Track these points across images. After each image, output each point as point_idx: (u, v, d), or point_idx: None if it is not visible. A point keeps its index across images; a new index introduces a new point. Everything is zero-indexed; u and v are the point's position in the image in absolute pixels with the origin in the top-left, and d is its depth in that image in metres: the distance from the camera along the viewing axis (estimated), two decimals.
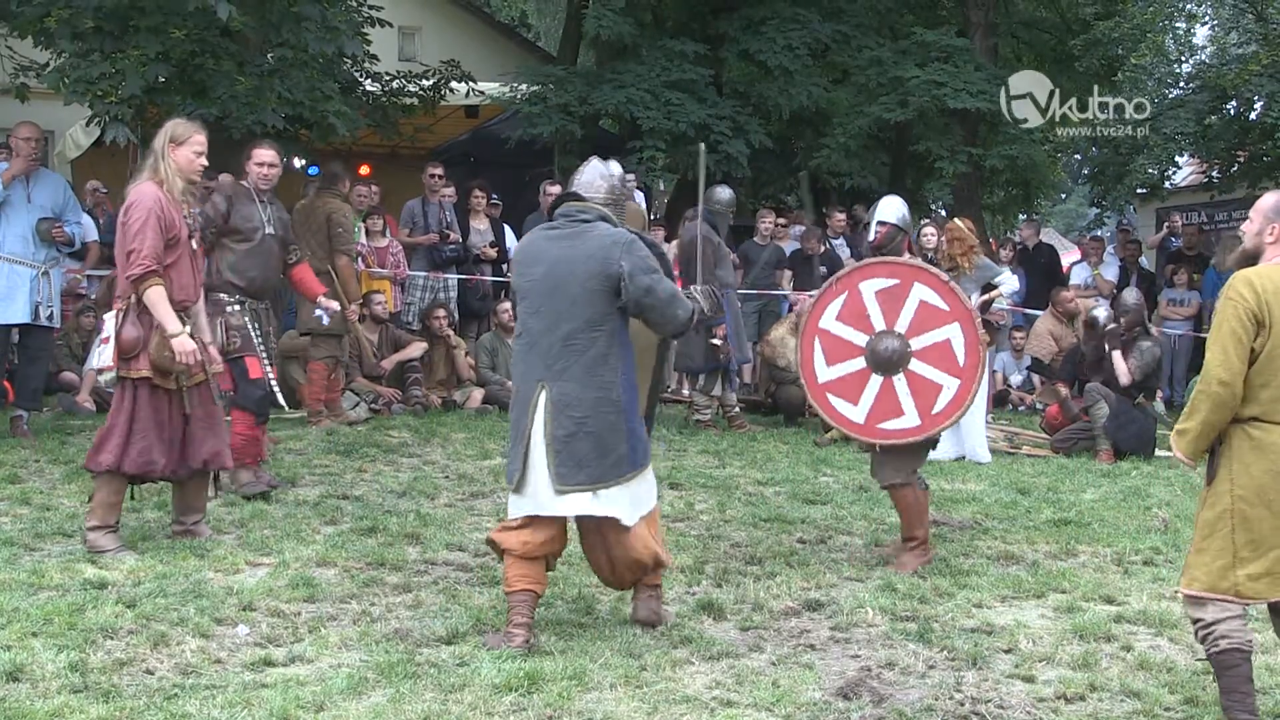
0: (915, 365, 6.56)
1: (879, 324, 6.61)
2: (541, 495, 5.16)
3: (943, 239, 10.24)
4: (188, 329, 6.37)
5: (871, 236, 7.29)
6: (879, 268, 6.77)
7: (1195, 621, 4.54)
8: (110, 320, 6.37)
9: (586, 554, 5.50)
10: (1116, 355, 10.73)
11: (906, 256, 7.13)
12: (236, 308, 7.64)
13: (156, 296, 6.23)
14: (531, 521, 5.21)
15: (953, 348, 6.54)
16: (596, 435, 5.13)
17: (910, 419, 6.57)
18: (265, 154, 7.93)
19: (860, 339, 6.64)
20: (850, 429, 6.75)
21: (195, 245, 6.55)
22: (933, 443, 6.92)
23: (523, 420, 5.20)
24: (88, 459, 6.43)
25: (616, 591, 5.85)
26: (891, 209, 7.25)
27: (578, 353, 5.15)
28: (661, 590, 5.55)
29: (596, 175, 5.53)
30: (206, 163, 6.64)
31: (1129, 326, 11.02)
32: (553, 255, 5.26)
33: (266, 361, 7.76)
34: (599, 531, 5.30)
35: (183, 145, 6.44)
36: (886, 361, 6.58)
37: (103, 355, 6.41)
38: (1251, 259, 4.58)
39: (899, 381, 6.57)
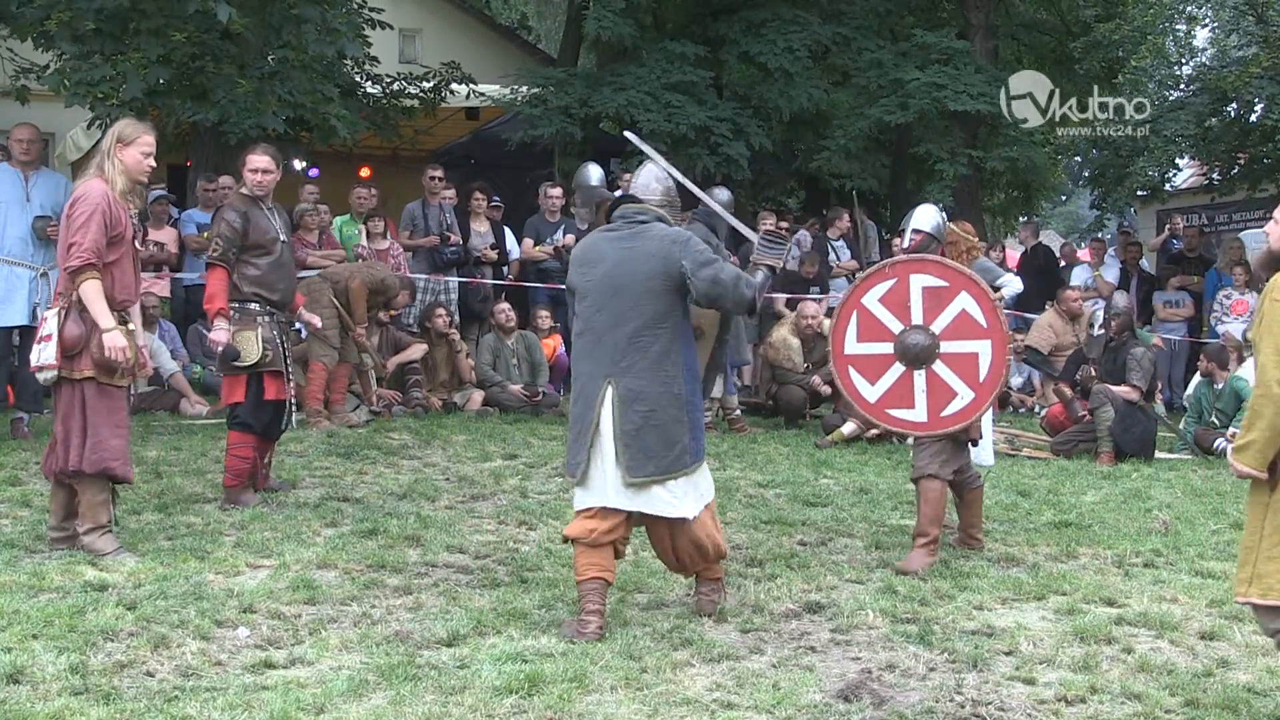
0: (938, 366, 6.74)
1: (917, 318, 6.78)
2: (610, 488, 5.36)
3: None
4: (131, 325, 6.35)
5: (906, 243, 7.44)
6: (934, 266, 6.94)
7: (1275, 634, 4.51)
8: (52, 318, 6.24)
9: (652, 542, 5.67)
10: (1113, 389, 10.73)
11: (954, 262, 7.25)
12: (267, 319, 7.51)
13: (93, 291, 6.14)
14: (598, 511, 5.39)
15: (979, 362, 6.73)
16: (662, 428, 5.36)
17: (919, 414, 6.78)
18: (260, 160, 7.70)
19: (895, 326, 6.82)
20: (860, 405, 6.97)
21: (138, 245, 6.51)
22: (972, 441, 7.16)
23: (588, 415, 5.39)
24: (52, 464, 6.30)
25: (622, 594, 5.87)
26: (927, 218, 7.49)
27: (642, 349, 5.37)
28: (722, 582, 5.78)
29: (652, 178, 5.86)
30: (154, 164, 6.56)
31: (1118, 330, 11.03)
32: (614, 256, 5.47)
33: (289, 377, 7.67)
34: (665, 520, 5.46)
35: (130, 145, 6.39)
36: (914, 355, 6.76)
37: (42, 354, 6.23)
38: (1278, 261, 4.58)
39: (919, 377, 6.76)
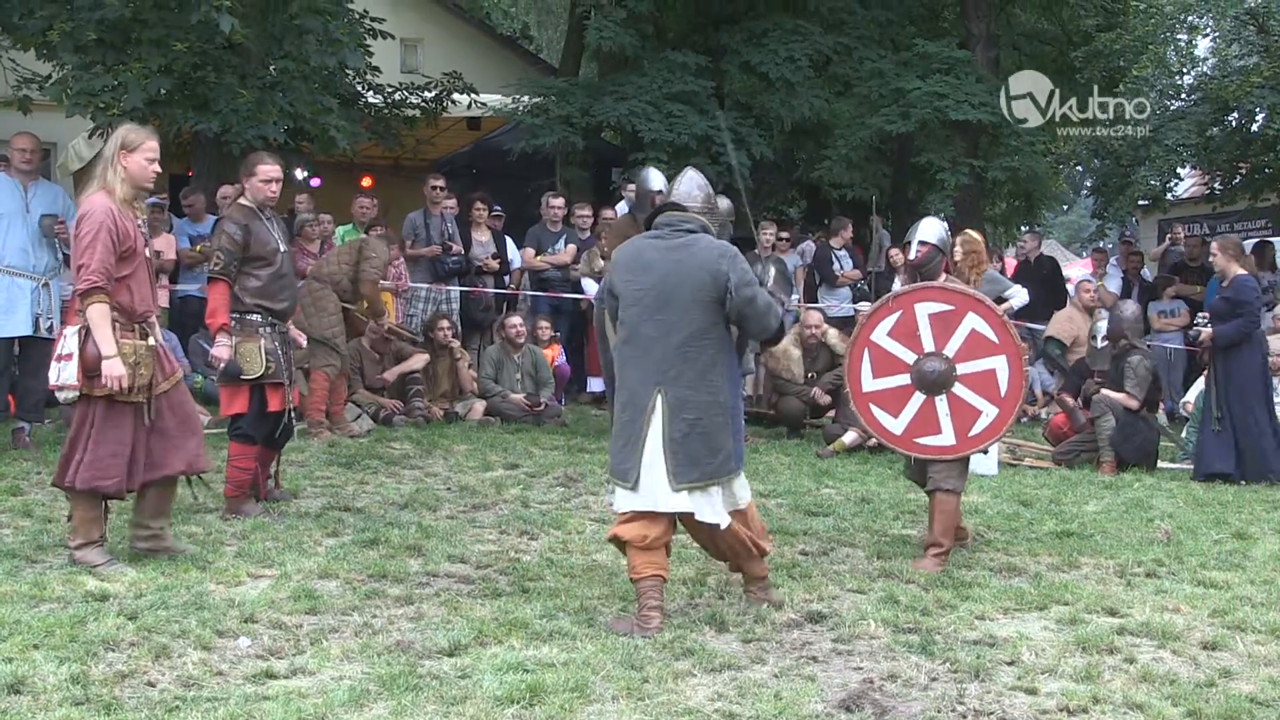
0: (958, 389, 6.85)
1: (929, 345, 6.88)
2: (659, 493, 5.51)
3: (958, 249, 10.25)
4: (151, 340, 6.32)
5: (912, 255, 7.47)
6: (935, 292, 7.03)
7: None
8: (72, 336, 6.17)
9: (695, 538, 5.92)
10: (1109, 395, 10.73)
11: (944, 278, 7.30)
12: (269, 330, 7.48)
13: (99, 316, 6.08)
14: (645, 515, 5.56)
15: (997, 378, 6.84)
16: (708, 435, 5.52)
17: (946, 438, 6.89)
18: (273, 170, 7.59)
19: (909, 356, 6.92)
20: (887, 439, 7.05)
21: (149, 254, 6.45)
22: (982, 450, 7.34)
23: (637, 422, 5.54)
24: (56, 477, 6.31)
25: (624, 604, 5.87)
26: (932, 230, 7.56)
27: (690, 359, 5.52)
28: (768, 580, 6.03)
29: (694, 185, 6.02)
30: (159, 169, 6.47)
31: (1116, 339, 11.01)
32: (664, 266, 5.59)
33: (289, 386, 7.65)
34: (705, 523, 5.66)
35: (135, 151, 6.30)
36: (931, 382, 6.86)
37: (63, 373, 6.16)
38: None
39: (940, 402, 6.86)
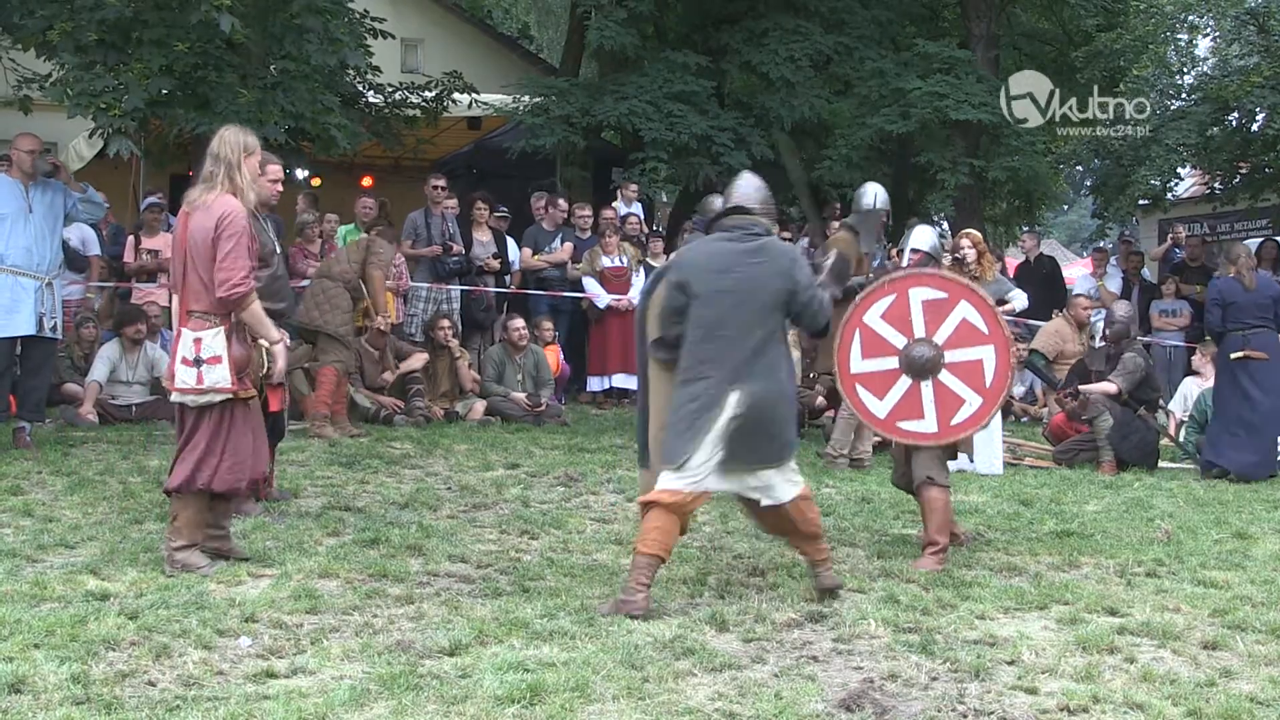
0: (944, 376, 6.87)
1: (919, 331, 6.91)
2: (711, 476, 5.79)
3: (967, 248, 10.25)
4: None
5: (905, 262, 7.49)
6: (931, 279, 7.10)
7: None
8: (214, 338, 6.13)
9: (754, 517, 6.30)
10: (1095, 389, 10.77)
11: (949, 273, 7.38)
12: None
13: (260, 311, 6.27)
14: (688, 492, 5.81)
15: (984, 368, 6.85)
16: (775, 424, 5.84)
17: (929, 424, 6.91)
18: (278, 169, 7.63)
19: (899, 340, 6.94)
20: (871, 421, 7.11)
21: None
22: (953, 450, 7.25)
23: (707, 414, 5.73)
24: (179, 481, 6.19)
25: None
26: (924, 237, 7.59)
27: (764, 357, 5.80)
28: (830, 560, 6.22)
29: (752, 188, 6.17)
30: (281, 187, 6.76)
31: (1114, 339, 11.02)
32: (744, 270, 5.85)
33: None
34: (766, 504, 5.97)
35: (252, 156, 6.39)
36: (919, 367, 6.88)
37: (207, 376, 6.11)
38: None
39: (926, 388, 6.88)
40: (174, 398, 6.31)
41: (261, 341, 6.37)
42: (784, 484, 5.94)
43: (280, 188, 7.60)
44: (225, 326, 6.17)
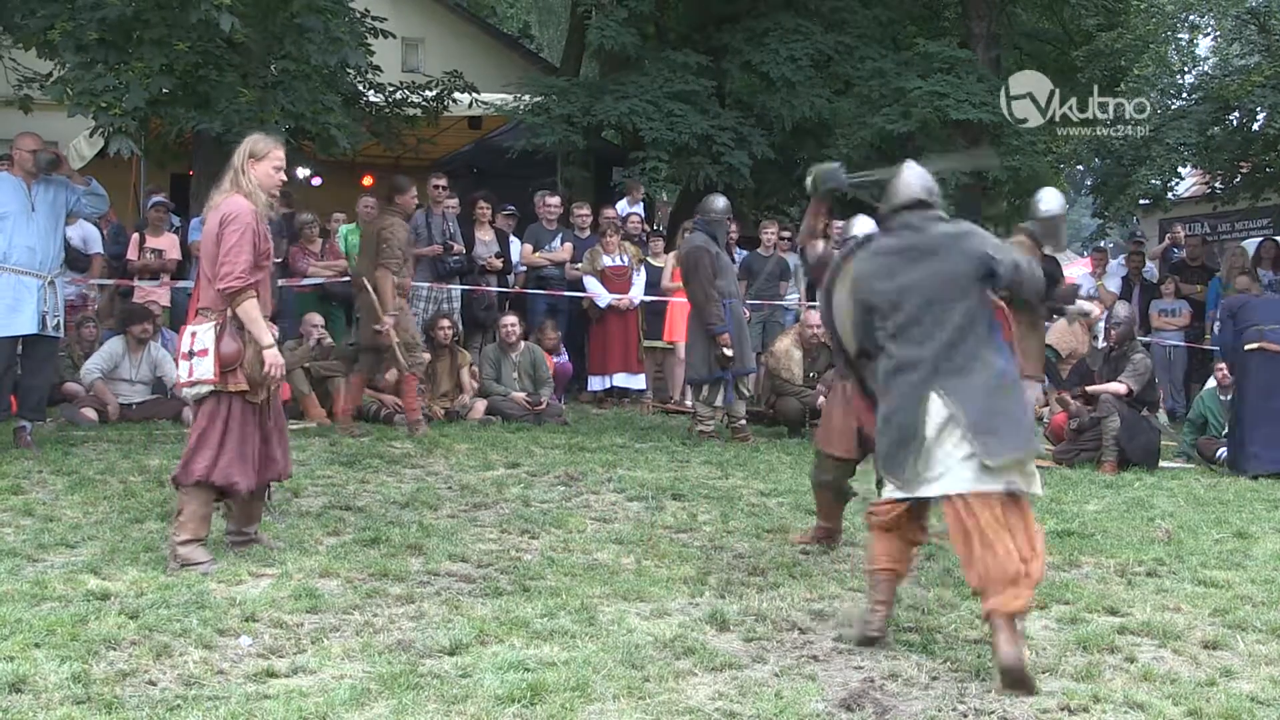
0: None
1: None
2: (950, 477, 5.16)
3: None
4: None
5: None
6: None
7: None
8: (206, 332, 6.25)
9: (983, 539, 5.12)
10: (1106, 389, 10.79)
11: None
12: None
13: (254, 310, 6.27)
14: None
15: None
16: (1002, 413, 5.20)
17: None
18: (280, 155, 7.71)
19: None
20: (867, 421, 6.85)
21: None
22: None
23: (911, 424, 5.25)
24: (178, 472, 6.33)
25: (625, 603, 5.87)
26: (866, 225, 7.47)
27: (961, 348, 5.27)
28: (1022, 632, 5.07)
29: (916, 176, 5.70)
30: (285, 178, 6.66)
31: (1118, 340, 11.04)
32: (917, 271, 5.39)
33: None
34: (1019, 508, 5.17)
35: (263, 160, 6.47)
36: None
37: (194, 369, 6.24)
38: None
39: None
40: (181, 393, 6.45)
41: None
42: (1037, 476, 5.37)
43: (283, 176, 7.57)
44: (219, 321, 6.27)
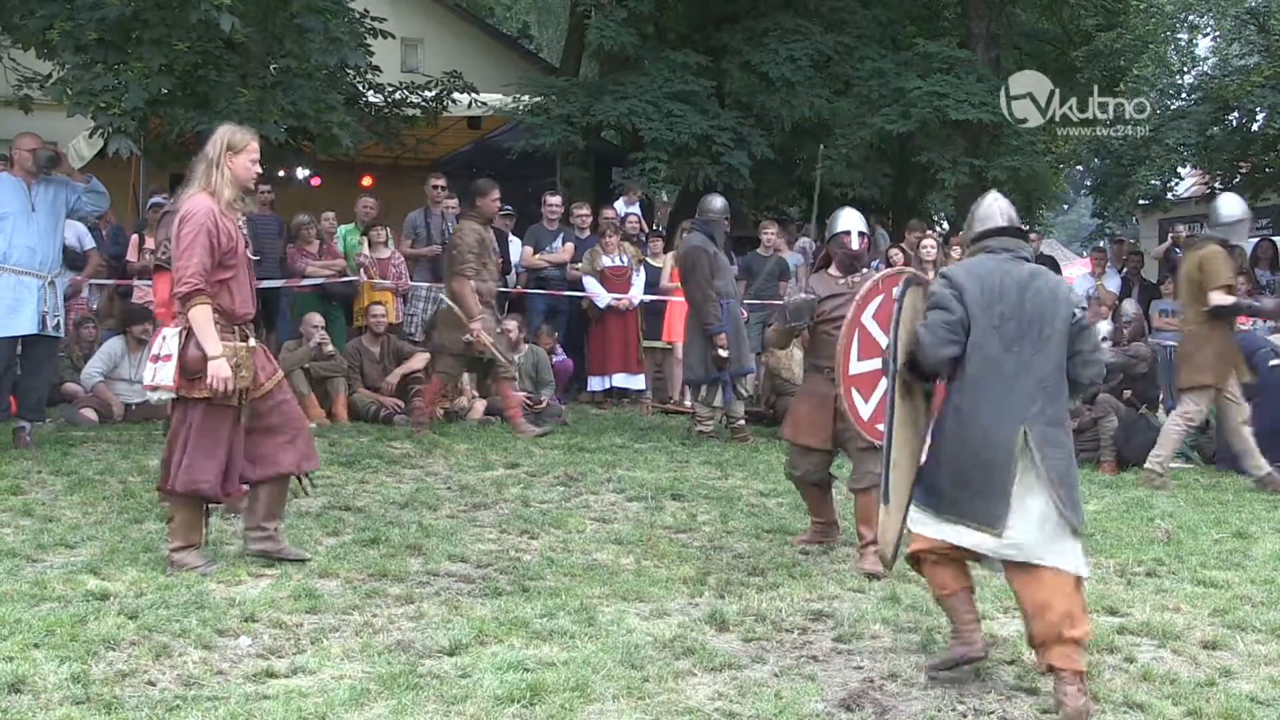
0: None
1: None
2: (1031, 540, 4.87)
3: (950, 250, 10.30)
4: (252, 341, 6.30)
5: (854, 246, 7.40)
6: (909, 275, 6.88)
7: None
8: (172, 338, 6.12)
9: (1034, 601, 4.90)
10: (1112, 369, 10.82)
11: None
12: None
13: (202, 317, 6.06)
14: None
15: None
16: (1071, 478, 4.98)
17: None
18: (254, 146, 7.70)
19: (884, 340, 6.71)
20: (857, 422, 6.83)
21: (250, 255, 6.40)
22: None
23: (999, 462, 4.91)
24: (161, 480, 6.29)
25: (624, 603, 5.87)
26: (852, 220, 7.45)
27: (1052, 396, 4.98)
28: (1084, 682, 4.79)
29: (1005, 205, 5.41)
30: (260, 170, 6.47)
31: (1131, 338, 11.06)
32: (1018, 295, 5.04)
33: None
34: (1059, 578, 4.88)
35: (240, 153, 6.28)
36: None
37: (158, 373, 6.15)
38: None
39: None
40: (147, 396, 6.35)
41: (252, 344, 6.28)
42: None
43: (258, 168, 7.56)
44: (178, 325, 6.15)
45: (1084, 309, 5.08)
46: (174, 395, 6.14)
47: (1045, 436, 4.89)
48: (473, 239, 10.57)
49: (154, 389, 6.20)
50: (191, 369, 6.06)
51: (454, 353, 10.57)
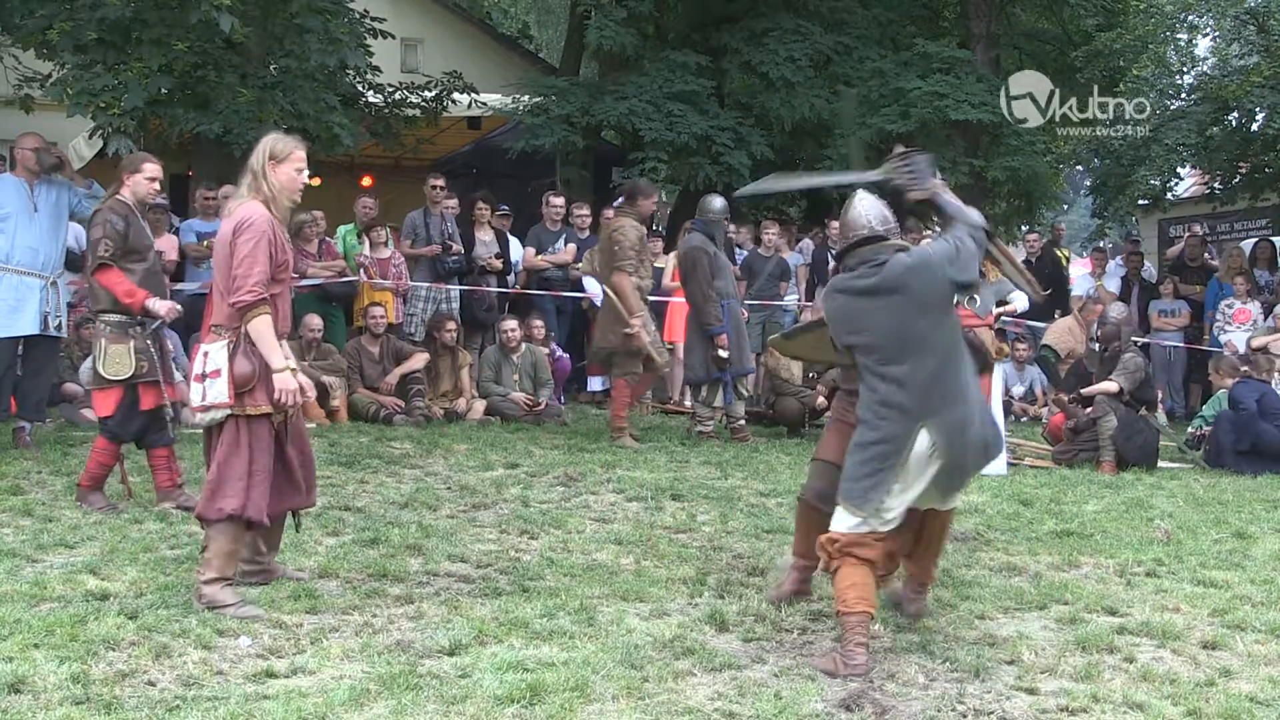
0: None
1: None
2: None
3: None
4: (291, 362, 5.86)
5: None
6: None
7: None
8: (216, 351, 5.69)
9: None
10: (1100, 389, 10.82)
11: None
12: (139, 329, 7.44)
13: (264, 327, 5.67)
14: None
15: None
16: (982, 440, 5.38)
17: None
18: (157, 170, 7.66)
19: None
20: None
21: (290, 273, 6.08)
22: None
23: (896, 457, 5.21)
24: (202, 506, 5.70)
25: (624, 603, 5.87)
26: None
27: (945, 379, 5.28)
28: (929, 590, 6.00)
29: (870, 209, 5.63)
30: (307, 179, 6.10)
31: (1104, 340, 11.07)
32: (879, 311, 5.30)
33: (165, 384, 7.48)
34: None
35: (284, 162, 5.90)
36: None
37: (208, 392, 5.65)
38: None
39: None
40: (195, 418, 5.90)
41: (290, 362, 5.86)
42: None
43: (158, 186, 7.60)
44: (232, 338, 5.75)
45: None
46: (229, 413, 5.69)
47: (947, 423, 5.27)
48: (634, 236, 10.76)
49: (205, 409, 5.70)
50: (242, 383, 5.67)
51: (627, 351, 10.68)
